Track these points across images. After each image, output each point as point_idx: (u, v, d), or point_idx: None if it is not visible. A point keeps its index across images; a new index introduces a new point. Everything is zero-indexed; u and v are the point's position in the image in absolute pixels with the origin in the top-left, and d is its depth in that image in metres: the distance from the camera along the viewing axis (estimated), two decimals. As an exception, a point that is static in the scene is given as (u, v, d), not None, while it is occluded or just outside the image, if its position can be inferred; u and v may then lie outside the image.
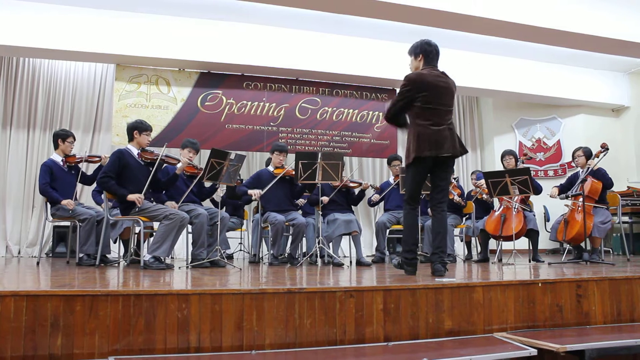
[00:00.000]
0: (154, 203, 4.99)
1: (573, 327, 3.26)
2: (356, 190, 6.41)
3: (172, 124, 7.98)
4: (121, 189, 4.83)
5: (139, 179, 4.94)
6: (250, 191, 5.79)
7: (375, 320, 2.83)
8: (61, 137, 5.64)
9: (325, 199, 5.96)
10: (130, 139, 5.11)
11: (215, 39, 7.77)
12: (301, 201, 6.56)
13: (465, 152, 4.13)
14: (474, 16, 6.75)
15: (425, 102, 3.91)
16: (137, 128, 5.08)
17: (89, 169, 6.06)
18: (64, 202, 5.37)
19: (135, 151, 5.05)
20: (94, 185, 6.09)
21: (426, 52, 4.04)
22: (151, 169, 5.09)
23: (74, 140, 5.76)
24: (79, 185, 5.86)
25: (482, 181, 6.55)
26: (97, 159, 5.78)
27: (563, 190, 6.15)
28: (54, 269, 4.74)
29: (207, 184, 5.88)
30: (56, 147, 5.66)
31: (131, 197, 4.78)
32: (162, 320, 2.53)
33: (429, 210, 6.53)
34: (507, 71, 9.05)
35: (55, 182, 5.46)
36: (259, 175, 6.06)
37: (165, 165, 5.33)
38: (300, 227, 5.68)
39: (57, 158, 5.60)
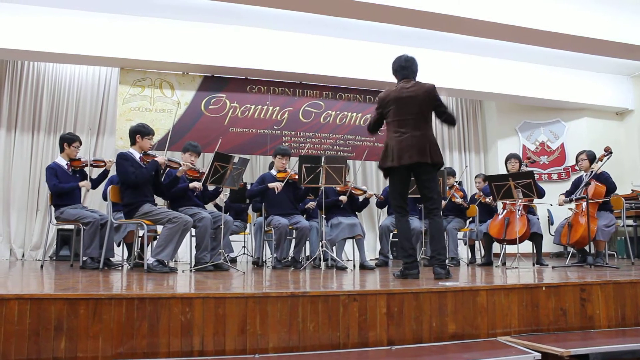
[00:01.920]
0: (158, 207, 5.00)
1: (577, 331, 3.25)
2: (360, 198, 6.40)
3: (176, 128, 8.01)
4: (147, 167, 4.97)
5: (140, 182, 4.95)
6: (271, 185, 5.77)
7: (378, 324, 2.82)
8: (67, 141, 5.64)
9: (344, 198, 5.98)
10: (133, 142, 5.12)
11: (218, 42, 7.80)
12: (312, 204, 6.53)
13: (437, 161, 4.08)
14: (477, 20, 6.75)
15: (391, 115, 4.15)
16: (139, 132, 5.09)
17: (92, 172, 6.05)
18: (82, 183, 5.46)
19: (137, 155, 5.06)
20: (99, 188, 6.10)
21: (394, 71, 4.31)
22: (153, 172, 5.10)
23: (80, 144, 5.76)
24: (83, 189, 5.86)
25: (490, 198, 6.55)
26: (102, 163, 5.77)
27: (569, 195, 6.14)
28: (58, 272, 4.75)
29: (211, 187, 5.89)
30: (62, 150, 5.67)
31: (159, 159, 5.02)
32: (165, 323, 2.53)
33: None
34: (510, 74, 9.05)
35: (59, 183, 5.47)
36: (263, 179, 6.06)
37: (168, 169, 5.34)
38: (303, 231, 5.67)
39: (62, 162, 5.60)
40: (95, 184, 5.88)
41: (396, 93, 4.14)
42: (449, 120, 4.28)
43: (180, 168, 5.19)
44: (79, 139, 5.75)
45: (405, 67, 4.23)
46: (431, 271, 4.10)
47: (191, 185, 5.26)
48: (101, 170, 5.83)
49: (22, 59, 8.09)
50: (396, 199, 4.21)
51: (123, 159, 4.93)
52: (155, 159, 5.09)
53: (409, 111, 4.07)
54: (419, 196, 4.46)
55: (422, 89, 4.11)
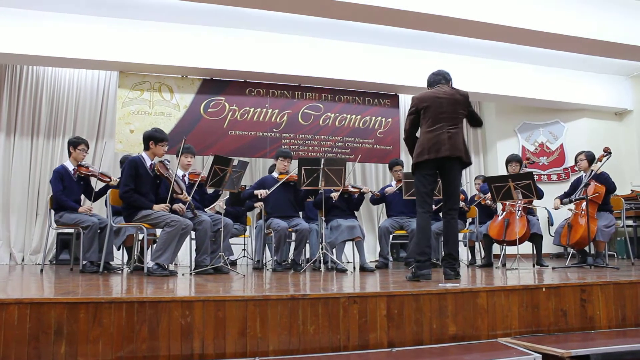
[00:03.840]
0: (157, 210, 5.00)
1: (577, 332, 3.25)
2: (355, 195, 6.39)
3: (175, 131, 8.01)
4: (146, 201, 4.86)
5: (146, 189, 4.95)
6: (256, 191, 5.79)
7: (378, 326, 2.82)
8: (72, 144, 5.63)
9: (335, 194, 5.95)
10: (146, 148, 5.10)
11: (217, 45, 7.81)
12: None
13: (468, 160, 4.25)
14: (475, 21, 6.75)
15: (426, 112, 4.23)
16: (153, 138, 5.07)
17: (96, 184, 6.05)
18: (81, 209, 5.41)
19: (148, 161, 5.05)
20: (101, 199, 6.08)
21: (429, 83, 4.49)
22: (158, 182, 5.10)
23: (87, 148, 5.73)
24: (82, 197, 5.85)
25: (489, 194, 6.53)
26: (108, 179, 5.75)
27: (567, 196, 6.14)
28: (58, 276, 4.75)
29: (210, 191, 5.88)
30: (69, 154, 5.67)
31: (157, 207, 4.85)
32: (165, 327, 2.53)
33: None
34: (509, 76, 9.06)
35: (63, 190, 5.46)
36: (263, 181, 6.07)
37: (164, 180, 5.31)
38: (303, 233, 5.67)
39: (70, 166, 5.60)
40: (95, 197, 5.86)
41: (433, 93, 4.28)
42: (477, 123, 4.54)
43: (180, 195, 5.14)
44: (85, 141, 5.73)
45: (437, 75, 4.43)
46: (438, 272, 4.13)
47: (175, 206, 5.09)
48: (104, 184, 5.81)
49: (21, 64, 8.09)
50: (422, 194, 4.21)
51: (131, 166, 4.91)
52: (174, 208, 5.07)
53: (446, 110, 4.19)
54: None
55: (458, 93, 4.28)
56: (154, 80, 8.07)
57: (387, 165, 7.40)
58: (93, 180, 5.77)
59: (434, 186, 4.30)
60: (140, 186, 4.90)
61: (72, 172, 5.58)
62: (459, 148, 4.15)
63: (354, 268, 5.96)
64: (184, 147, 5.60)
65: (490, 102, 10.32)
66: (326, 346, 2.71)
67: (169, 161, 5.27)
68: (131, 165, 4.91)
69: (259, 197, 5.76)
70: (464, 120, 4.36)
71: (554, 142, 10.04)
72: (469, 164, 4.30)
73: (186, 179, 5.64)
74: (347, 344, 2.75)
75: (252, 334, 2.62)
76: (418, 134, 4.35)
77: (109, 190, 5.25)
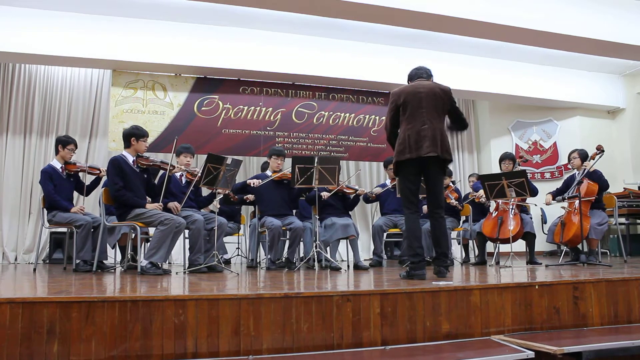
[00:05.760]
0: (150, 209, 4.99)
1: (570, 329, 3.26)
2: (351, 196, 6.40)
3: (169, 129, 7.98)
4: (138, 199, 4.84)
5: (136, 185, 4.94)
6: (249, 180, 5.79)
7: (372, 324, 2.82)
8: (62, 143, 5.60)
9: (325, 194, 5.96)
10: (127, 145, 5.08)
11: (211, 44, 7.79)
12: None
13: (449, 157, 4.12)
14: (468, 19, 6.76)
15: (405, 108, 4.12)
16: (134, 135, 5.06)
17: (86, 178, 6.03)
18: (74, 209, 5.38)
19: (130, 158, 5.04)
20: (92, 195, 6.05)
21: (410, 77, 4.38)
22: (146, 175, 5.08)
23: (76, 147, 5.70)
24: (75, 193, 5.83)
25: (481, 192, 6.54)
26: (97, 171, 5.74)
27: (559, 193, 6.17)
28: (51, 275, 4.73)
29: (205, 193, 5.87)
30: (57, 152, 5.63)
31: (150, 206, 4.85)
32: (159, 326, 2.52)
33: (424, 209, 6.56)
34: (502, 74, 9.08)
35: (54, 189, 5.44)
36: (255, 178, 6.06)
37: (161, 171, 5.32)
38: (297, 232, 5.67)
39: (57, 164, 5.56)
40: (87, 191, 5.84)
41: (412, 88, 4.15)
42: (461, 124, 4.34)
43: (173, 170, 5.18)
44: (75, 141, 5.71)
45: (419, 69, 4.33)
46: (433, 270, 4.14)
47: (169, 204, 5.10)
48: (94, 177, 5.80)
49: (13, 62, 8.05)
50: (407, 195, 4.13)
51: (115, 165, 4.89)
52: (169, 206, 5.05)
53: (425, 105, 4.07)
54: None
55: (438, 87, 4.16)
56: (147, 79, 8.04)
57: (382, 163, 7.41)
58: (82, 175, 5.75)
59: (418, 185, 4.21)
60: (128, 184, 4.89)
61: (60, 169, 5.55)
62: (440, 146, 4.03)
63: (348, 266, 5.96)
64: (183, 146, 5.60)
65: (483, 100, 10.35)
66: (320, 344, 2.71)
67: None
68: (114, 165, 4.89)
69: (252, 185, 5.76)
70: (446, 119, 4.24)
71: (547, 140, 10.08)
72: (450, 160, 4.17)
73: (183, 178, 5.63)
74: (340, 342, 2.75)
75: (245, 332, 2.61)
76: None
77: (103, 189, 5.24)
